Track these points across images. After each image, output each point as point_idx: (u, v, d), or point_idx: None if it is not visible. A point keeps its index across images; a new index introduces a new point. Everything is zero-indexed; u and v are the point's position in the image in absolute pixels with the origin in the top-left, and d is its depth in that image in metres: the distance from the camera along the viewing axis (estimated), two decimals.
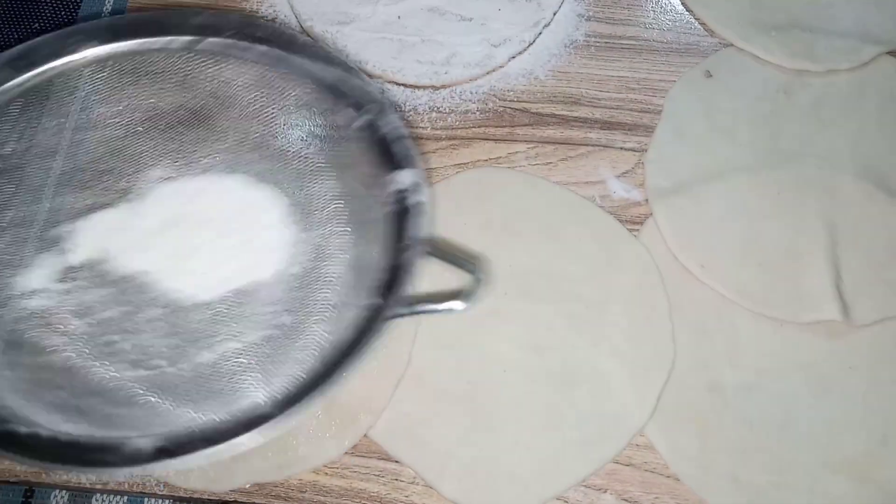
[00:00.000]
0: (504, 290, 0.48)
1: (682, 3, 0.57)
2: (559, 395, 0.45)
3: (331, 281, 0.42)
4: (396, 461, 0.45)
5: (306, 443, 0.44)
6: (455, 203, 0.51)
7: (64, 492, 0.46)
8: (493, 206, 0.51)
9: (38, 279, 0.42)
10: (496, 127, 0.54)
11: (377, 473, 0.45)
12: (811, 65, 0.54)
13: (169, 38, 0.45)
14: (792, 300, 0.47)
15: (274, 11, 0.58)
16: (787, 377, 0.46)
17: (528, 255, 0.49)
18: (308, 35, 0.56)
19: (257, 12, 0.58)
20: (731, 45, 0.55)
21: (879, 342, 0.46)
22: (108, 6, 0.61)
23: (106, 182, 0.45)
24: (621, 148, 0.53)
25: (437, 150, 0.53)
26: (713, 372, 0.46)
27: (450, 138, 0.54)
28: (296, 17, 0.57)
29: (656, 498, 0.44)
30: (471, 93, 0.55)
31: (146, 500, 0.45)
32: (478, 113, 0.55)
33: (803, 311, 0.47)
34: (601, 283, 0.48)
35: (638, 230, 0.50)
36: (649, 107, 0.54)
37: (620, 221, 0.50)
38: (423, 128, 0.54)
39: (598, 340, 0.46)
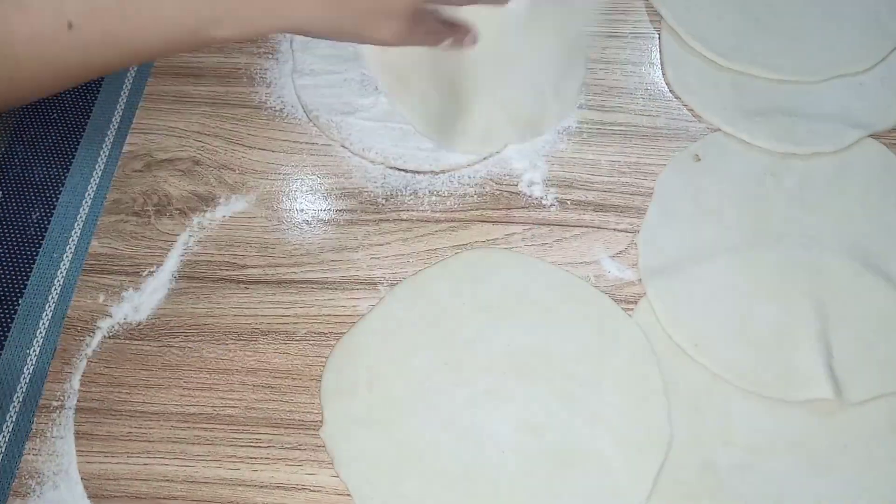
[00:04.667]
0: (502, 370, 0.49)
1: (670, 91, 0.60)
2: (556, 475, 0.46)
3: None
4: None
5: None
6: (454, 284, 0.52)
7: None
8: (490, 286, 0.52)
9: None
10: (493, 209, 0.56)
11: None
12: (795, 148, 0.56)
13: None
14: (784, 379, 0.48)
15: (282, 103, 0.61)
16: (781, 456, 0.46)
17: (525, 335, 0.50)
18: (315, 124, 0.59)
19: (265, 103, 0.61)
20: (718, 129, 0.58)
21: (872, 420, 0.47)
22: (125, 90, 0.64)
23: None
24: (614, 229, 0.55)
25: (437, 231, 0.55)
26: (707, 450, 0.46)
27: (449, 220, 0.56)
28: (302, 107, 0.60)
29: None
30: (469, 177, 0.57)
31: None
32: (476, 196, 0.57)
33: (795, 390, 0.47)
34: (597, 362, 0.49)
35: (632, 309, 0.51)
36: (640, 189, 0.56)
37: (615, 301, 0.52)
38: (422, 210, 0.56)
39: (595, 420, 0.47)
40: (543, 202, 0.56)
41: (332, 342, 0.51)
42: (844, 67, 0.59)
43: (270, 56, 0.63)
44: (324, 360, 0.50)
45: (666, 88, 0.60)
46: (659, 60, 0.61)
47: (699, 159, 0.56)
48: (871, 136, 0.57)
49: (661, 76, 0.61)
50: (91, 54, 0.38)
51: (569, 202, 0.56)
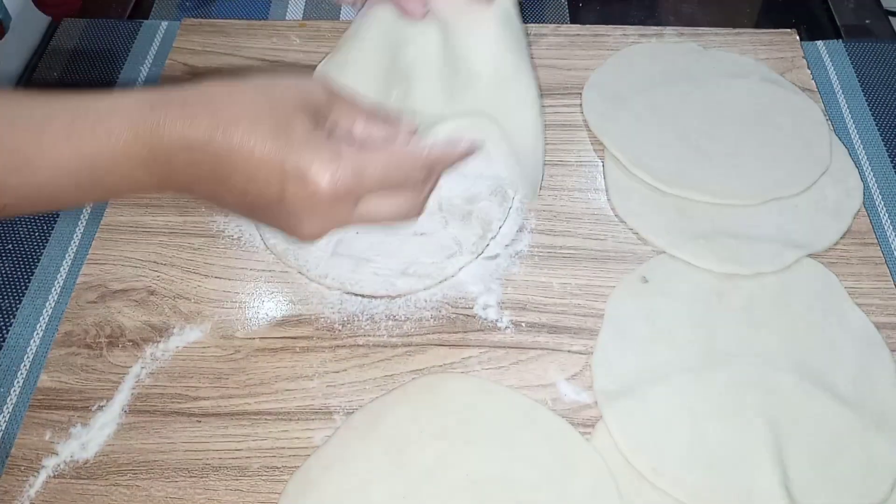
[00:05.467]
0: (463, 502, 0.48)
1: (615, 216, 0.63)
2: None
3: None
4: None
5: None
6: (411, 411, 0.52)
7: None
8: (448, 412, 0.52)
9: None
10: (449, 333, 0.57)
11: None
12: (739, 269, 0.58)
13: None
14: (743, 501, 0.48)
15: (240, 231, 0.62)
16: None
17: (484, 463, 0.50)
18: (272, 252, 0.60)
19: (223, 232, 0.62)
20: (664, 252, 0.60)
21: None
22: (83, 221, 0.65)
23: None
24: (569, 351, 0.56)
25: (394, 356, 0.55)
26: None
27: (405, 345, 0.56)
28: (260, 236, 0.61)
29: None
30: (425, 301, 0.58)
31: None
32: (432, 320, 0.57)
33: None
34: (557, 489, 0.49)
35: (590, 433, 0.51)
36: (592, 311, 0.57)
37: (573, 424, 0.52)
38: (379, 335, 0.56)
39: None
40: (498, 325, 0.57)
41: (286, 476, 0.49)
42: (780, 191, 0.63)
43: None
44: (277, 495, 0.49)
45: (612, 213, 0.63)
46: (604, 186, 0.64)
47: (646, 281, 0.58)
48: (810, 255, 0.59)
49: (606, 202, 0.63)
50: None
51: (523, 324, 0.57)
